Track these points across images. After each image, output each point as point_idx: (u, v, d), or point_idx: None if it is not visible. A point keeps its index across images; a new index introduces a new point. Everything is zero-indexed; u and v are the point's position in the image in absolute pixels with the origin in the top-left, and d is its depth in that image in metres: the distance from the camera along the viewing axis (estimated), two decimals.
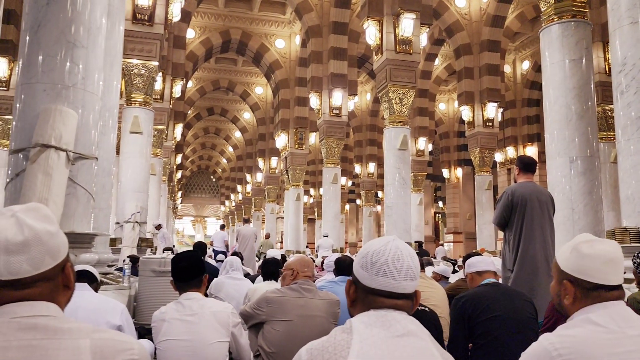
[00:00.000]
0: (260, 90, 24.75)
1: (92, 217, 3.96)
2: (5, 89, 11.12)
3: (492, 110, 15.56)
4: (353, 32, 16.51)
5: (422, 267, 3.92)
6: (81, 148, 3.59)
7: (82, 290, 2.53)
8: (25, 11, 3.61)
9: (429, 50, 18.83)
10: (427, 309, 2.61)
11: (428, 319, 2.53)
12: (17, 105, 3.52)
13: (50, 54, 3.49)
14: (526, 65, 20.64)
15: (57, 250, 1.03)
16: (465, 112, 15.97)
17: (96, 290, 2.88)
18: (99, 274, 3.22)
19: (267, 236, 16.97)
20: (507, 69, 20.34)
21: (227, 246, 13.14)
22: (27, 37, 3.53)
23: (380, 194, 24.73)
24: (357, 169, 24.23)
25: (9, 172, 3.47)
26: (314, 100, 16.01)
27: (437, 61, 20.33)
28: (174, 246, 20.87)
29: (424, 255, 8.91)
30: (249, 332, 2.84)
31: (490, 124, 15.57)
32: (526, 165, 4.01)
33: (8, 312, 0.98)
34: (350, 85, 15.87)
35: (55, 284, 1.04)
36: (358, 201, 30.07)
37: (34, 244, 0.99)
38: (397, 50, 11.04)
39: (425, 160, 19.06)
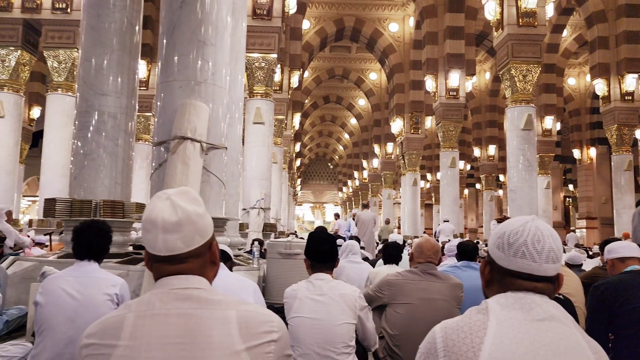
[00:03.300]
0: (375, 76, 24.66)
1: (224, 203, 4.25)
2: (144, 88, 12.23)
3: (632, 82, 14.07)
4: (470, 9, 15.76)
5: None
6: (212, 139, 3.84)
7: (219, 268, 2.74)
8: (162, 15, 3.96)
9: (556, 22, 17.41)
10: (561, 296, 2.46)
11: (564, 308, 2.39)
12: (158, 102, 3.88)
13: (184, 53, 3.79)
14: None
15: (204, 230, 1.15)
16: (600, 86, 14.62)
17: (230, 268, 3.10)
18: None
19: (387, 222, 16.97)
20: None
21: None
22: (164, 40, 3.87)
23: (502, 177, 23.54)
24: (476, 152, 23.28)
25: (153, 163, 3.85)
26: (429, 83, 15.61)
27: (565, 32, 18.75)
28: (295, 231, 21.84)
29: None
30: (372, 313, 2.89)
31: (630, 97, 14.11)
32: None
33: (167, 284, 1.11)
34: (468, 64, 15.21)
35: (204, 260, 1.16)
36: (478, 185, 28.91)
37: (186, 223, 1.11)
38: (520, 23, 10.34)
39: (552, 141, 17.76)
